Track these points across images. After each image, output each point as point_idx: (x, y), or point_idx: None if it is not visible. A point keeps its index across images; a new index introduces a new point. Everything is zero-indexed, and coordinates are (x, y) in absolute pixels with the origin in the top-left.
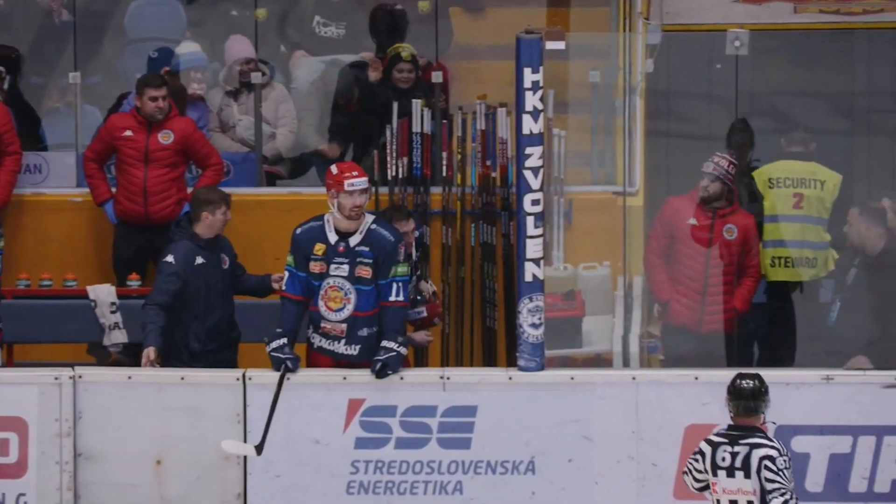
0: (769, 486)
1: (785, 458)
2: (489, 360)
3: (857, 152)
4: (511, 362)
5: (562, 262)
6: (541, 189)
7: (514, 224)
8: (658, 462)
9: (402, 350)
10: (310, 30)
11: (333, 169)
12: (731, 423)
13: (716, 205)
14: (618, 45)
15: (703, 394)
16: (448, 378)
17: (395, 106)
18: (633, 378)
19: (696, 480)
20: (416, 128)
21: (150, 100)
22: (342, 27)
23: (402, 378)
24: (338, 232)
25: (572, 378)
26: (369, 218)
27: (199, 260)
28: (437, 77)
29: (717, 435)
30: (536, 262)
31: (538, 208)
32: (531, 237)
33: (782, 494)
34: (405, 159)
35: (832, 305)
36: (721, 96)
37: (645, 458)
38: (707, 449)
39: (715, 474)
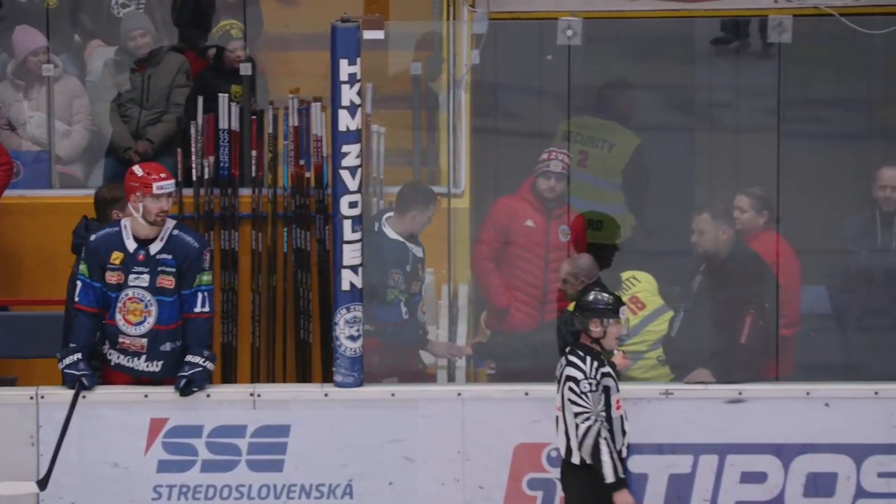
0: (574, 409)
1: (591, 381)
2: (303, 376)
3: (698, 150)
4: (327, 377)
5: None
6: (359, 190)
7: (330, 228)
8: (485, 484)
9: (209, 365)
10: (107, 17)
11: (137, 170)
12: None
13: (552, 205)
14: (441, 34)
15: (534, 410)
16: (259, 395)
17: (200, 100)
18: (459, 394)
19: None
20: (222, 124)
21: None
22: (141, 7)
23: (208, 395)
24: (136, 239)
25: (393, 394)
26: (170, 223)
27: None
28: (245, 69)
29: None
30: (354, 269)
31: (356, 211)
32: (348, 242)
33: (586, 419)
34: (211, 159)
35: (675, 315)
36: (552, 90)
37: (471, 480)
38: None
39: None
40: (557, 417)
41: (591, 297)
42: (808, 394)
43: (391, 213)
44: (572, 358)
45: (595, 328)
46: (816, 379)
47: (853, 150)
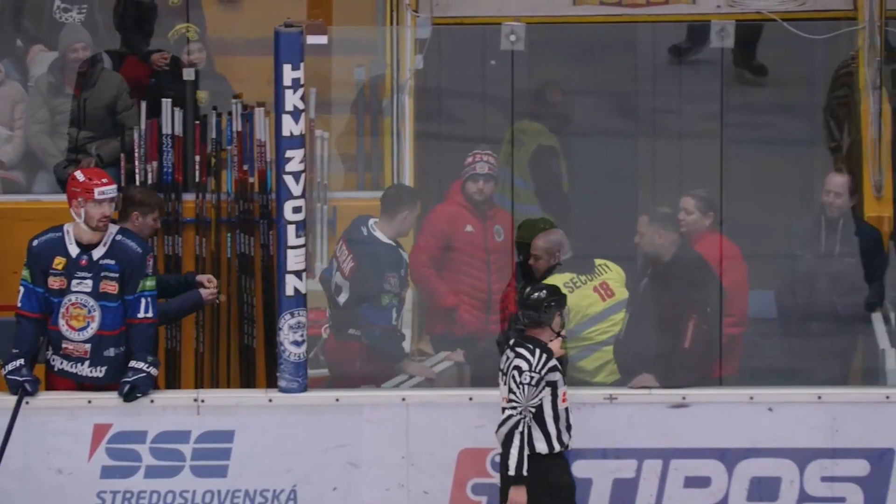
0: (509, 396)
1: (532, 374)
2: (247, 381)
3: (641, 155)
4: (271, 383)
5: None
6: (302, 195)
7: (274, 233)
8: (430, 490)
9: (153, 370)
10: (49, 22)
11: (79, 175)
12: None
13: (483, 207)
14: (384, 39)
15: (478, 415)
16: (202, 401)
17: (143, 105)
18: (403, 399)
19: None
20: (166, 129)
21: None
22: (83, 12)
23: (152, 401)
24: (79, 244)
25: (337, 399)
26: (113, 228)
27: None
28: (188, 74)
29: (514, 340)
30: (298, 274)
31: (300, 216)
32: (292, 247)
33: (513, 408)
34: (154, 164)
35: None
36: (496, 95)
37: (416, 485)
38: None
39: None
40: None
41: (552, 291)
42: (751, 398)
43: (376, 218)
44: (521, 350)
45: (559, 319)
46: (760, 383)
47: (796, 155)
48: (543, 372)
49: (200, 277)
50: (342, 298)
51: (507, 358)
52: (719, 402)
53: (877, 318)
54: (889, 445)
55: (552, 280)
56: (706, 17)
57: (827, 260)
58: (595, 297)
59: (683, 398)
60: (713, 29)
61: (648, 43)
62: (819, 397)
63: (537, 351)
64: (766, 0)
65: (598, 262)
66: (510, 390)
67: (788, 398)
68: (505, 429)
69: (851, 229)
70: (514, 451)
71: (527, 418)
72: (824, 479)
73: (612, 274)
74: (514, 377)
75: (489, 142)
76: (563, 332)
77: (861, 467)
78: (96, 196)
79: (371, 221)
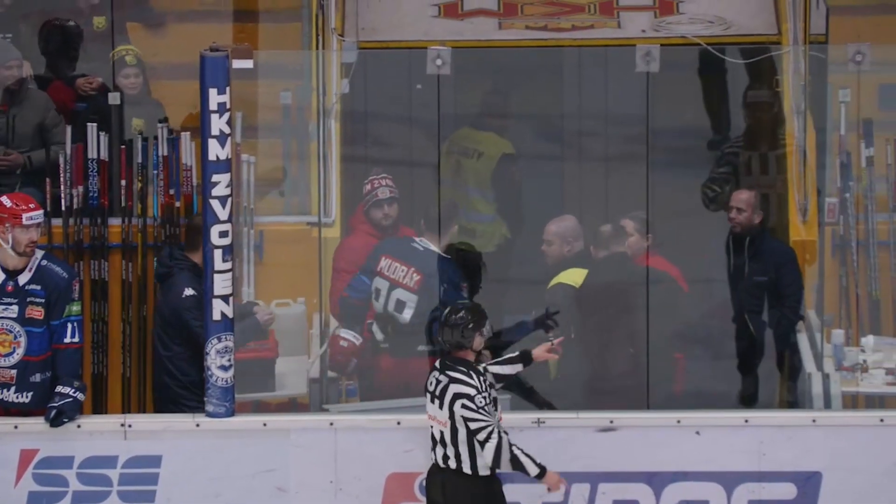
0: (472, 426)
1: (484, 395)
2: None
3: (567, 179)
4: (199, 407)
5: (253, 298)
6: (229, 220)
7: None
8: None
9: (80, 395)
10: None
11: (6, 201)
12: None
13: (391, 231)
14: (310, 63)
15: (406, 440)
16: (130, 425)
17: (69, 130)
18: (331, 424)
19: None
20: (91, 154)
21: None
22: (8, 38)
23: (79, 426)
24: (5, 270)
25: (265, 424)
26: (39, 253)
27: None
28: (114, 99)
29: (439, 361)
30: (225, 298)
31: (226, 241)
32: (219, 272)
33: (488, 432)
34: (80, 188)
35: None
36: (422, 119)
37: None
38: (430, 372)
39: (425, 396)
40: (442, 432)
41: (473, 309)
42: (679, 422)
43: (419, 238)
44: (454, 374)
45: (479, 339)
46: (687, 407)
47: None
48: (489, 389)
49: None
50: (408, 314)
51: (438, 381)
52: (647, 426)
53: (802, 340)
54: (816, 469)
55: (568, 275)
56: (632, 42)
57: (737, 280)
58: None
59: (611, 422)
60: (638, 53)
61: (574, 67)
62: (746, 420)
63: (471, 373)
64: (691, 25)
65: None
66: (468, 419)
67: (716, 421)
68: (505, 455)
69: (758, 247)
70: (523, 459)
71: (504, 432)
72: (752, 502)
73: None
74: (466, 406)
75: (415, 165)
76: (483, 352)
77: (788, 490)
78: (24, 221)
79: (419, 239)
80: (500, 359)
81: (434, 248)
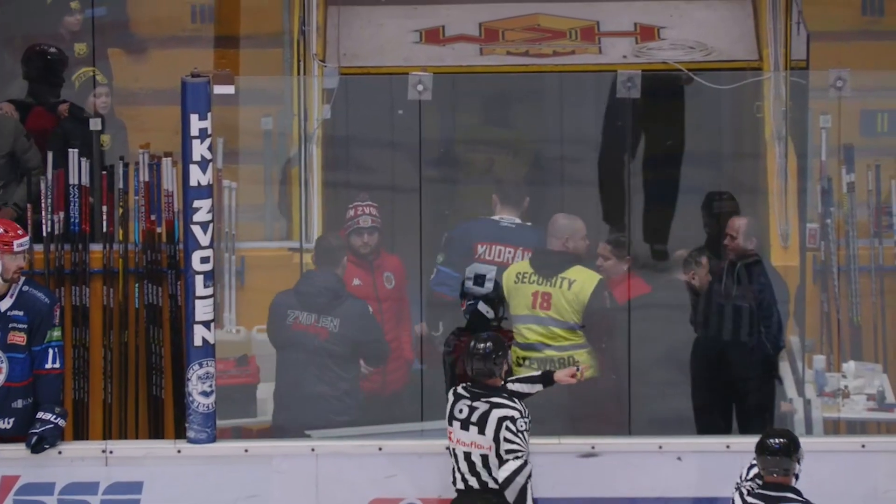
0: (507, 446)
1: (526, 420)
2: (156, 432)
3: (548, 204)
4: (180, 433)
5: (234, 324)
6: (210, 245)
7: (182, 283)
8: None
9: (60, 421)
10: None
11: None
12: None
13: (371, 257)
14: (292, 89)
15: (388, 466)
16: (111, 451)
17: (50, 156)
18: (313, 450)
19: None
20: (72, 179)
21: None
22: None
23: (60, 452)
24: None
25: (246, 450)
26: (20, 279)
27: None
28: (95, 124)
29: (464, 389)
30: (206, 324)
31: (208, 266)
32: (200, 298)
33: (518, 457)
34: (61, 214)
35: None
36: (404, 144)
37: None
38: (451, 398)
39: (451, 423)
40: (486, 456)
41: (496, 339)
42: (660, 448)
43: (502, 217)
44: (497, 399)
45: (506, 367)
46: (669, 433)
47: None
48: (529, 416)
49: None
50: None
51: (473, 408)
52: (628, 452)
53: (784, 366)
54: None
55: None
56: (613, 68)
57: (726, 305)
58: (528, 299)
59: (593, 447)
60: (619, 79)
61: (556, 92)
62: (727, 446)
63: (515, 399)
64: (672, 50)
65: (566, 275)
66: (508, 440)
67: (697, 447)
68: (521, 480)
69: (747, 272)
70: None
71: (530, 467)
72: None
73: (566, 293)
74: (509, 428)
75: (397, 190)
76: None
77: None
78: (15, 249)
79: (500, 217)
80: (521, 377)
81: (519, 220)
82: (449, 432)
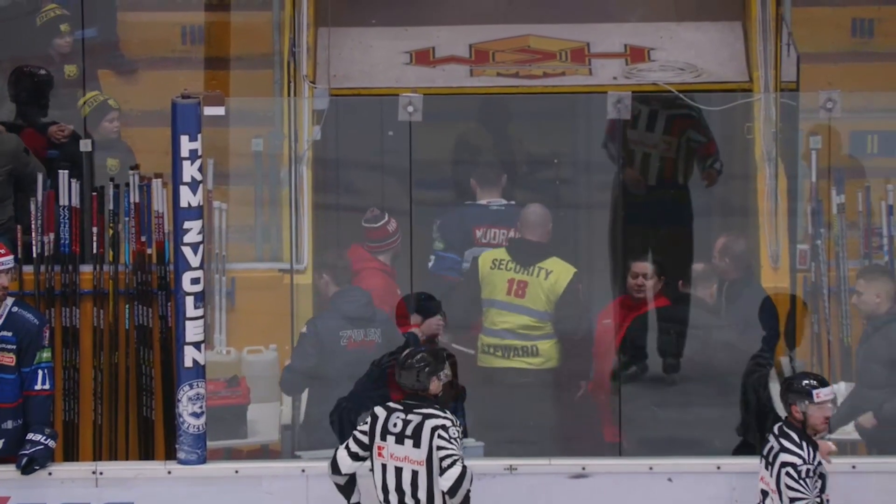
0: (440, 454)
1: (457, 427)
2: (146, 453)
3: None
4: (170, 454)
5: (224, 345)
6: (201, 267)
7: (173, 305)
8: None
9: (51, 443)
10: None
11: None
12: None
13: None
14: (282, 110)
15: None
16: (101, 473)
17: (40, 177)
18: (303, 471)
19: (356, 443)
20: (63, 201)
21: None
22: None
23: (50, 473)
24: None
25: (237, 471)
26: (9, 300)
27: None
28: (85, 146)
29: (396, 402)
30: (197, 345)
31: (198, 287)
32: (191, 319)
33: (455, 461)
34: (51, 235)
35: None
36: (394, 165)
37: None
38: (381, 413)
39: (384, 438)
40: (416, 472)
41: (433, 353)
42: (651, 468)
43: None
44: (427, 410)
45: (436, 384)
46: (660, 453)
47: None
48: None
49: None
50: None
51: (407, 421)
52: (619, 473)
53: (774, 387)
54: None
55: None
56: (603, 89)
57: (717, 327)
58: (504, 286)
59: (583, 468)
60: (610, 100)
61: (547, 113)
62: (718, 467)
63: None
64: (662, 72)
65: (543, 265)
66: (438, 447)
67: (688, 468)
68: (465, 486)
69: (738, 294)
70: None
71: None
72: None
73: (542, 283)
74: (441, 436)
75: (387, 212)
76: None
77: None
78: None
79: (487, 201)
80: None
81: (503, 200)
82: (379, 448)
